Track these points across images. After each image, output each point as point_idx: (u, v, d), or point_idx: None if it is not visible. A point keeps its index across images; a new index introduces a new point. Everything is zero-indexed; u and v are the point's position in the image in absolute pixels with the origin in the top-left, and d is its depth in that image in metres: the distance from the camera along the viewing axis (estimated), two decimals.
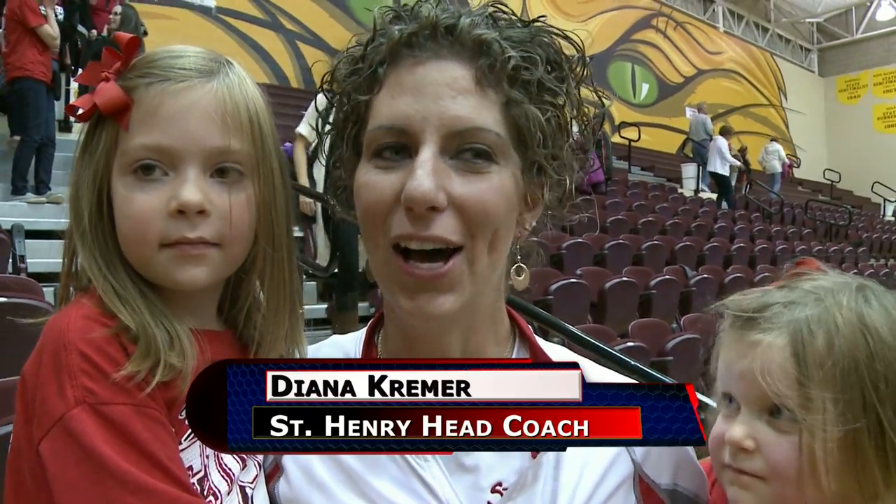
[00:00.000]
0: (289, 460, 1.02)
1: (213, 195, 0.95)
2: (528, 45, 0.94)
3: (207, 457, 0.95)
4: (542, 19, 0.99)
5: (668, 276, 8.02)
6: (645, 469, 1.04)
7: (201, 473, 0.94)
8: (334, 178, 1.04)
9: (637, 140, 17.67)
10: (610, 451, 1.02)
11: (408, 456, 0.97)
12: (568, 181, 1.01)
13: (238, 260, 1.01)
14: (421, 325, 0.97)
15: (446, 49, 0.92)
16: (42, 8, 7.25)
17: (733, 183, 16.62)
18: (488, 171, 0.91)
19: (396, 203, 0.90)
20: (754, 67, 27.42)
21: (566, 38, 0.99)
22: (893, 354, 0.92)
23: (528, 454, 0.98)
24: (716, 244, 11.16)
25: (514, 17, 0.97)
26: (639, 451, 1.04)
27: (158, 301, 0.95)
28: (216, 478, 0.95)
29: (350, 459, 0.98)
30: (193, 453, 0.93)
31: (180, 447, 0.91)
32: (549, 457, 0.98)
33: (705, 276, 8.75)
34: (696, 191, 17.60)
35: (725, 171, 16.03)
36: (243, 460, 1.00)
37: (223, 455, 0.97)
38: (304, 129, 5.88)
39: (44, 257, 6.01)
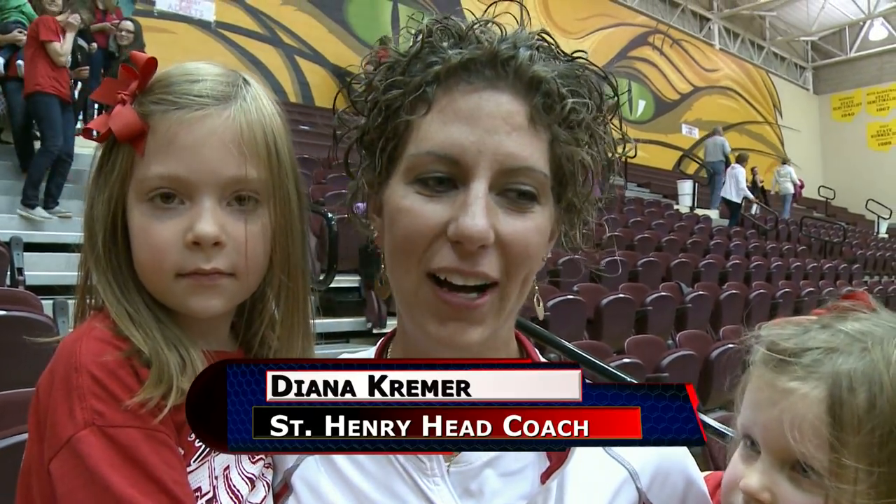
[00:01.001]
0: (298, 480, 1.01)
1: (228, 225, 0.94)
2: (575, 83, 0.93)
3: (216, 478, 0.95)
4: (579, 53, 0.97)
5: (663, 293, 8.05)
6: (650, 497, 1.01)
7: (210, 495, 0.94)
8: (354, 187, 1.02)
9: (633, 156, 17.66)
10: (615, 479, 1.00)
11: (418, 480, 0.95)
12: (591, 217, 1.02)
13: (253, 287, 1.00)
14: (443, 351, 0.95)
15: (503, 81, 0.90)
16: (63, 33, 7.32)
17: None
18: (531, 211, 0.91)
19: (440, 234, 0.88)
20: (750, 85, 27.56)
21: (605, 77, 0.98)
22: None
23: (536, 480, 0.96)
24: (711, 261, 11.19)
25: (557, 49, 0.96)
26: (644, 479, 1.01)
27: (172, 325, 0.95)
28: (225, 499, 0.95)
29: (360, 481, 0.97)
30: (202, 475, 0.93)
31: (189, 468, 0.91)
32: (555, 483, 0.97)
33: (701, 292, 8.77)
34: (692, 207, 17.65)
35: (739, 199, 16.50)
36: (252, 481, 0.99)
37: (232, 476, 0.97)
38: None
39: (42, 270, 6.01)
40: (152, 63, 0.95)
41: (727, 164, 17.25)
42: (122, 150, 0.95)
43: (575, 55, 0.97)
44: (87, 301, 1.00)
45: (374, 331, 6.59)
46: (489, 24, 0.95)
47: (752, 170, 19.52)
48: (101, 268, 0.95)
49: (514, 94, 0.90)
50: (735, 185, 16.26)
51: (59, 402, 0.85)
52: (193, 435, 0.91)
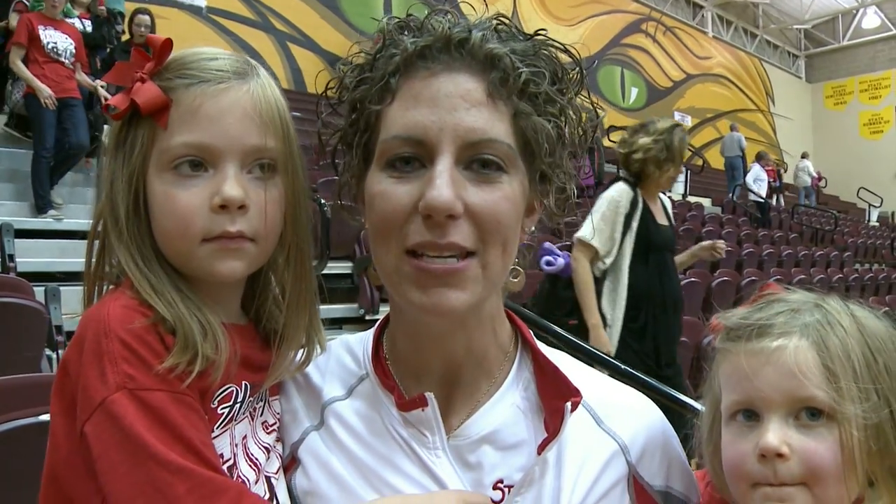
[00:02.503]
0: (304, 453, 1.06)
1: (250, 191, 0.99)
2: (533, 58, 0.97)
3: (236, 446, 1.00)
4: (542, 32, 1.01)
5: None
6: (639, 470, 1.07)
7: (231, 462, 0.98)
8: (341, 183, 1.07)
9: (615, 142, 17.73)
10: (605, 452, 1.05)
11: (420, 454, 1.01)
12: (568, 188, 1.05)
13: (269, 253, 1.04)
14: (430, 322, 1.00)
15: (459, 62, 0.95)
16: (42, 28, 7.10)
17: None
18: (500, 181, 0.95)
19: (412, 212, 0.93)
20: (743, 73, 27.58)
21: (566, 51, 1.02)
22: (886, 349, 0.99)
23: (533, 453, 1.01)
24: None
25: (515, 30, 1.00)
26: (633, 453, 1.07)
27: (191, 294, 0.98)
28: (244, 467, 1.00)
29: (364, 455, 1.02)
30: (224, 442, 0.98)
31: (213, 435, 0.95)
32: (552, 454, 1.01)
33: (693, 279, 8.80)
34: (685, 195, 17.71)
35: (758, 198, 17.30)
36: (267, 450, 1.05)
37: (249, 445, 1.02)
38: (588, 232, 4.05)
39: (33, 256, 6.01)
40: (169, 44, 0.99)
41: (744, 158, 18.12)
42: (141, 126, 0.98)
43: (536, 34, 1.01)
44: (96, 286, 1.03)
45: (367, 317, 6.62)
46: (448, 14, 0.99)
47: (777, 169, 20.01)
48: (124, 240, 0.98)
49: (471, 73, 0.95)
50: (753, 183, 16.97)
51: (89, 367, 0.89)
52: (216, 402, 0.96)
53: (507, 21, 1.00)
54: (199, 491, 0.86)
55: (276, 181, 1.02)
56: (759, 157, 18.05)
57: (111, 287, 1.01)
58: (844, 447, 0.93)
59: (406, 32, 0.98)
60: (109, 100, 0.99)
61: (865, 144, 29.02)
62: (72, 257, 6.20)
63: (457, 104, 0.93)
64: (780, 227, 17.61)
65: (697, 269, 9.98)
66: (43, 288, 4.86)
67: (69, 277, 5.59)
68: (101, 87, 7.68)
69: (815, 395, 0.95)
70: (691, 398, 2.90)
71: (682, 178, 18.37)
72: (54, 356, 4.30)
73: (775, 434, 0.95)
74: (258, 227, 1.00)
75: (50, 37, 7.18)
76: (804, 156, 22.14)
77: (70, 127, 7.17)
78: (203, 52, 1.02)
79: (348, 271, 7.15)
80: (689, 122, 24.61)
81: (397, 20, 1.00)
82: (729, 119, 25.78)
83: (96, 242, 1.03)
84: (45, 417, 2.45)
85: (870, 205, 25.77)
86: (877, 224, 24.25)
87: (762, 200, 17.37)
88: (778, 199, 19.74)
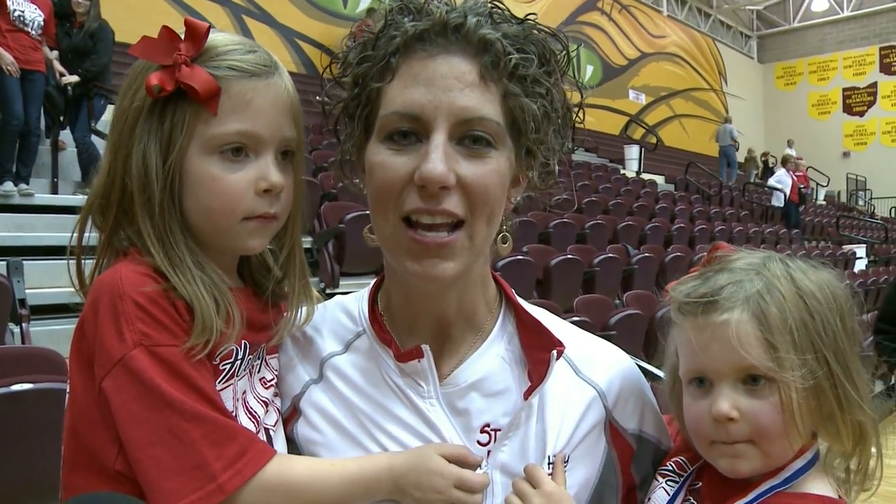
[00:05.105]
0: (305, 404, 1.15)
1: (283, 177, 1.09)
2: (524, 42, 1.04)
3: (237, 400, 1.07)
4: (531, 17, 1.09)
5: (610, 255, 8.22)
6: (614, 415, 1.17)
7: (233, 414, 1.04)
8: (343, 151, 1.14)
9: (581, 121, 17.81)
10: (585, 398, 1.16)
11: (417, 402, 1.10)
12: (552, 163, 1.13)
13: (280, 227, 1.14)
14: (423, 286, 1.08)
15: (454, 45, 1.02)
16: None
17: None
18: (489, 156, 1.02)
19: (409, 182, 1.00)
20: (696, 52, 27.87)
21: (554, 35, 1.10)
22: (823, 309, 1.07)
23: (518, 399, 1.10)
24: (657, 224, 11.43)
25: (508, 14, 1.07)
26: (609, 398, 1.17)
27: (208, 268, 1.05)
28: (244, 420, 1.07)
29: (363, 404, 1.11)
30: (227, 396, 1.04)
31: (217, 389, 1.02)
32: (535, 400, 1.11)
33: (647, 254, 8.99)
34: (639, 172, 17.95)
35: (781, 203, 18.36)
36: (266, 404, 1.12)
37: (248, 400, 1.09)
38: None
39: None
40: (207, 30, 1.05)
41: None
42: (184, 107, 1.03)
43: (527, 18, 1.09)
44: (103, 260, 1.08)
45: (328, 291, 6.64)
46: None
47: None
48: (155, 217, 1.03)
49: (465, 56, 1.02)
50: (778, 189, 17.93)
51: (106, 327, 0.96)
52: (217, 359, 1.03)
53: (501, 6, 1.07)
54: (213, 436, 0.94)
55: (293, 166, 1.13)
56: (785, 161, 18.99)
57: (119, 256, 1.06)
58: (785, 409, 1.03)
59: (406, 14, 1.05)
60: (152, 78, 1.02)
61: (814, 125, 29.65)
62: (28, 231, 6.14)
63: (451, 84, 1.00)
64: (731, 204, 17.97)
65: (651, 244, 10.20)
66: (4, 262, 4.81)
67: (26, 252, 5.54)
68: (56, 60, 7.48)
69: (757, 365, 1.03)
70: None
71: (635, 155, 18.61)
72: (17, 330, 4.27)
73: (726, 400, 1.05)
74: (286, 207, 1.11)
75: (18, 4, 6.87)
76: (790, 143, 23.05)
77: (26, 102, 6.88)
78: (237, 42, 1.09)
79: (308, 245, 7.16)
80: (643, 100, 24.89)
81: (400, 2, 1.07)
82: (683, 98, 26.14)
83: (92, 217, 1.08)
84: (16, 388, 2.49)
85: (817, 184, 26.35)
86: (824, 203, 24.85)
87: (784, 204, 18.07)
88: (805, 207, 19.91)
